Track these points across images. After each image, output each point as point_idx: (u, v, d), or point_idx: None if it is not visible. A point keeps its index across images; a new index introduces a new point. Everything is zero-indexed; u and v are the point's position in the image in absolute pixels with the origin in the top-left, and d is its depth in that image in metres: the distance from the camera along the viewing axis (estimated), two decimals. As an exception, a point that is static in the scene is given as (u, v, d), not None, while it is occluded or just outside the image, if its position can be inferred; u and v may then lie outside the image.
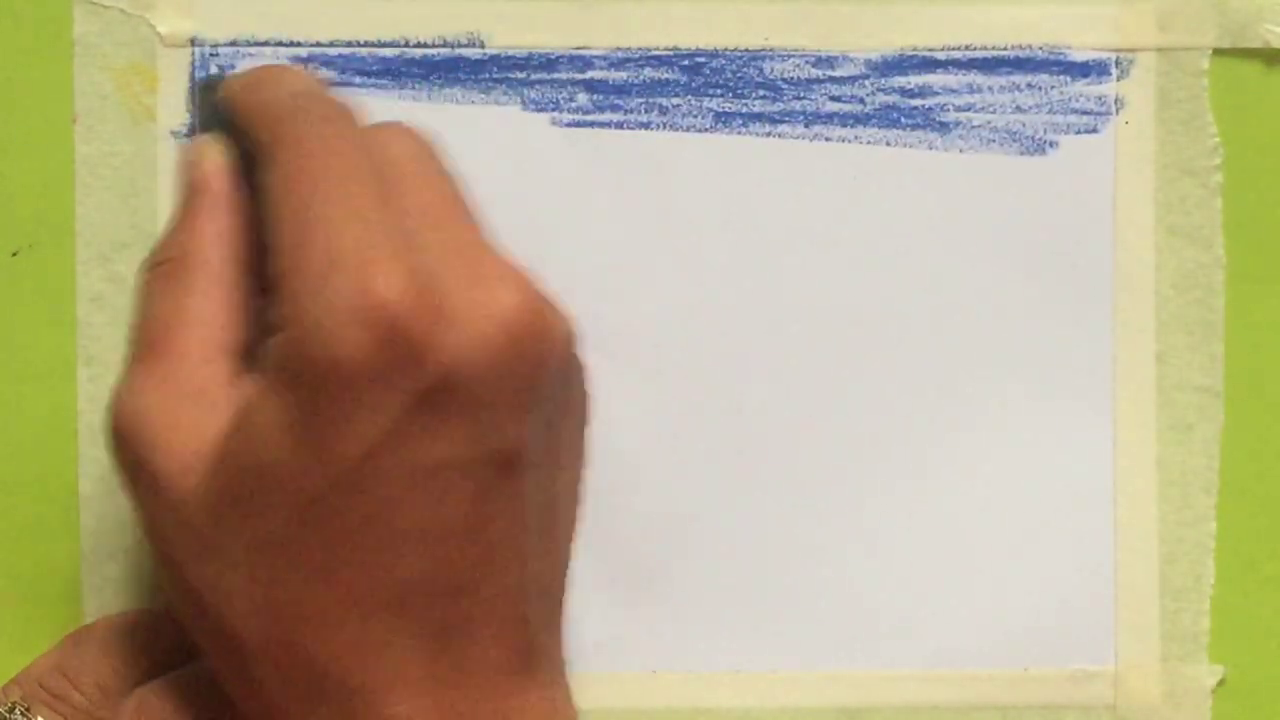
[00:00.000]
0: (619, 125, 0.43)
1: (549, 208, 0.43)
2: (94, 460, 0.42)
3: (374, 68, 0.43)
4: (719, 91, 0.43)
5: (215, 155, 0.37)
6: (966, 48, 0.43)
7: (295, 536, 0.33)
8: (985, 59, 0.43)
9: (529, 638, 0.34)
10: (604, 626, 0.43)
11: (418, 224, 0.34)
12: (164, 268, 0.36)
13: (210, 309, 0.36)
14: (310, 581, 0.33)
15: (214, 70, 0.42)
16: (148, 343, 0.36)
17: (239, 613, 0.34)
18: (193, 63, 0.42)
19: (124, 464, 0.35)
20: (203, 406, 0.35)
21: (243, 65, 0.42)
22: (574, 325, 0.35)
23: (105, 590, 0.43)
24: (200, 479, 0.34)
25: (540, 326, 0.33)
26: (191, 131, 0.42)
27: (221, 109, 0.38)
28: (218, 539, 0.34)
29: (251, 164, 0.36)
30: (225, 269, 0.36)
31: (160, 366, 0.35)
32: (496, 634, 0.34)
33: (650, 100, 0.43)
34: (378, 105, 0.43)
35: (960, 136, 0.43)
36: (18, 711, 0.38)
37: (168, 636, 0.40)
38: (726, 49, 0.43)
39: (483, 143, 0.43)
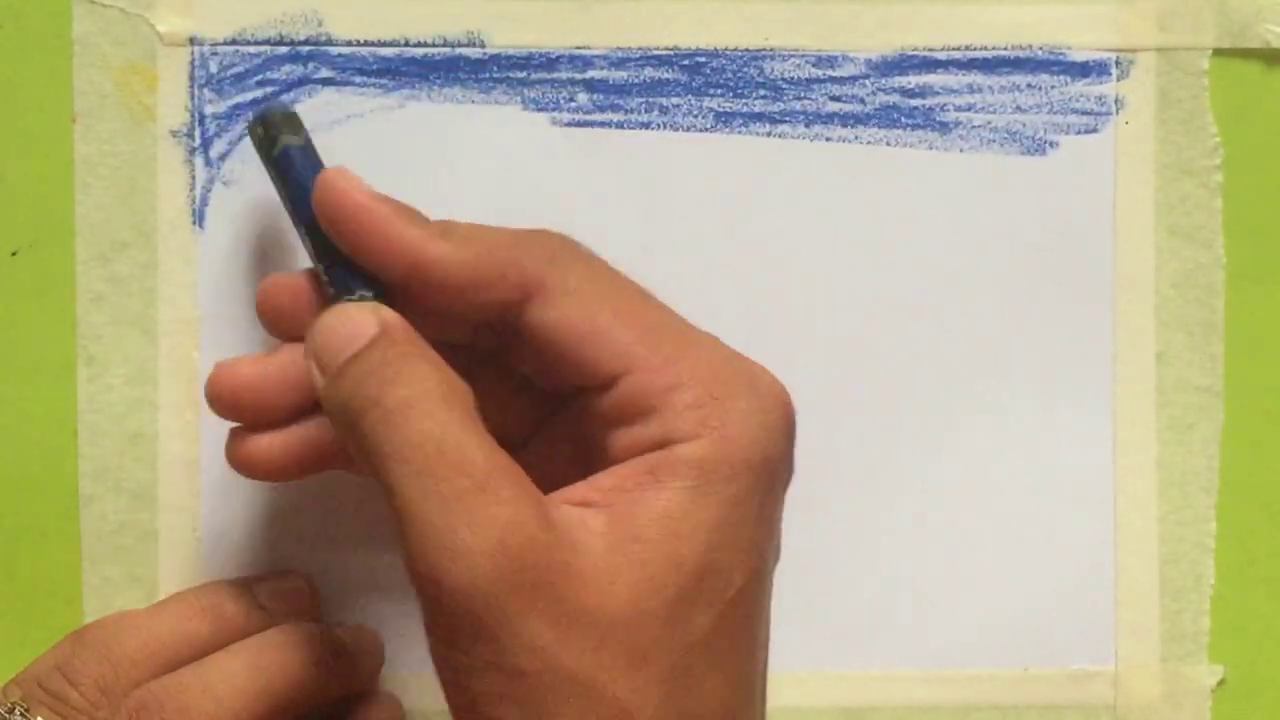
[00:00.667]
0: (619, 125, 0.43)
1: (549, 207, 0.43)
2: (93, 459, 0.42)
3: (374, 67, 0.43)
4: (719, 91, 0.43)
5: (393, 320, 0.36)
6: (967, 48, 0.43)
7: (720, 633, 0.34)
8: (985, 59, 0.43)
9: None
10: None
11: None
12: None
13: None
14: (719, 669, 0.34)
15: (215, 67, 0.42)
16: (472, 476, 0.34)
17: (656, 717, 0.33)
18: (192, 61, 0.42)
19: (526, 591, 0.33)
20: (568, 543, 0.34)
21: (243, 65, 0.42)
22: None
23: (105, 590, 0.43)
24: (608, 591, 0.33)
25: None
26: (191, 130, 0.42)
27: (292, 159, 0.38)
28: (647, 649, 0.33)
29: None
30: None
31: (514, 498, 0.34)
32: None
33: (650, 100, 0.43)
34: (377, 105, 0.43)
35: (960, 136, 0.43)
36: (17, 712, 0.38)
37: (167, 637, 0.40)
38: (727, 49, 0.43)
39: (483, 143, 0.43)
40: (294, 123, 0.39)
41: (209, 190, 0.43)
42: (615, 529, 0.33)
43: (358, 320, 0.35)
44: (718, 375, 0.35)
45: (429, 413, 0.33)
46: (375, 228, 0.36)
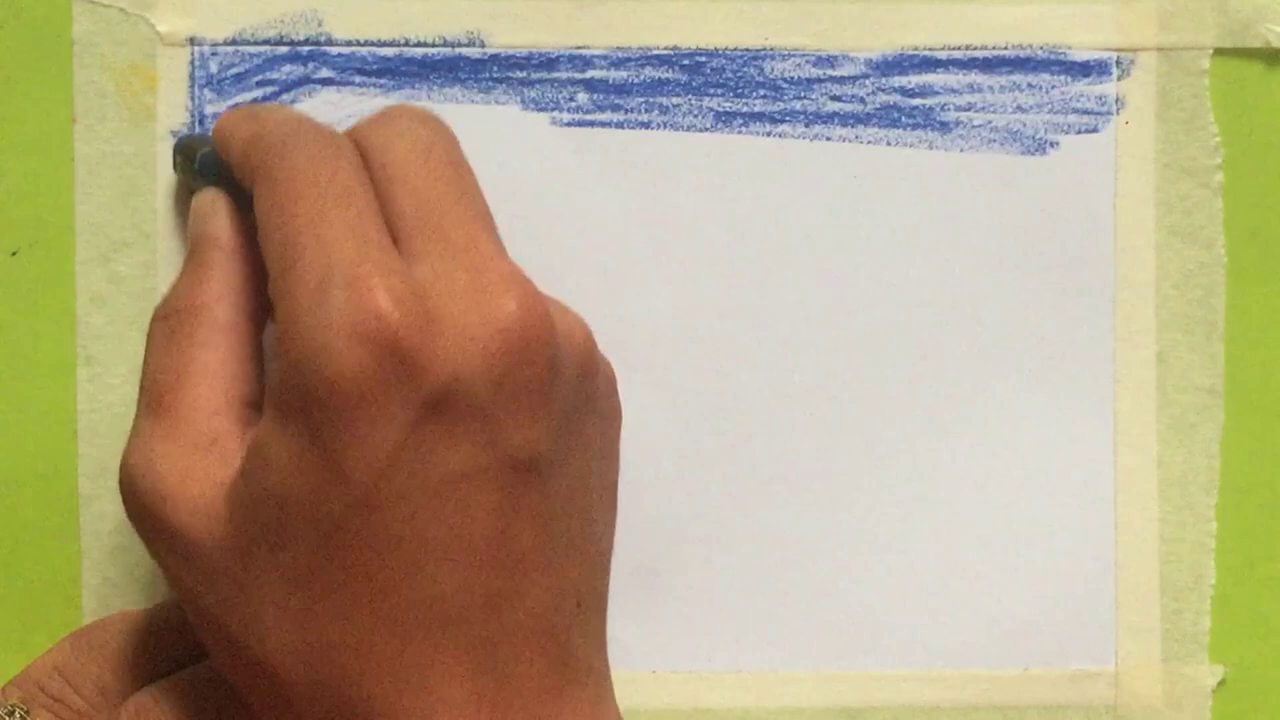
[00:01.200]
0: (619, 125, 0.43)
1: (548, 207, 0.43)
2: (93, 460, 0.42)
3: (374, 67, 0.43)
4: (719, 91, 0.43)
5: (221, 207, 0.38)
6: (967, 47, 0.43)
7: (322, 566, 0.33)
8: (986, 59, 0.43)
9: (568, 648, 0.34)
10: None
11: (416, 229, 0.34)
12: (171, 321, 0.36)
13: (218, 360, 0.36)
14: (342, 610, 0.33)
15: (215, 66, 0.42)
16: (156, 396, 0.36)
17: (275, 651, 0.33)
18: (192, 62, 0.42)
19: (139, 518, 0.35)
20: (214, 456, 0.35)
21: (243, 65, 0.42)
22: (586, 329, 0.35)
23: (105, 590, 0.43)
24: (219, 524, 0.34)
25: (544, 330, 0.33)
26: (191, 130, 0.42)
27: (210, 161, 0.39)
28: (245, 581, 0.33)
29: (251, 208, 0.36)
30: (234, 320, 0.36)
31: (168, 419, 0.35)
32: (535, 646, 0.34)
33: (650, 100, 0.43)
34: (377, 105, 0.43)
35: (961, 136, 0.43)
36: (17, 714, 0.38)
37: (168, 638, 0.40)
38: (727, 48, 0.43)
39: (482, 142, 0.43)
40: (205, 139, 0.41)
41: (209, 190, 0.43)
42: (231, 467, 0.34)
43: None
44: (317, 286, 0.33)
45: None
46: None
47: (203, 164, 0.40)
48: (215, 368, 0.36)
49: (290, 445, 0.32)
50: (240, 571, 0.33)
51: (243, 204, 0.38)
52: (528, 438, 0.33)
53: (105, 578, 0.43)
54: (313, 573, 0.33)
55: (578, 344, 0.34)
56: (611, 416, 0.37)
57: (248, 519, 0.33)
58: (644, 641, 0.43)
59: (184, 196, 0.42)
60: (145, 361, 0.37)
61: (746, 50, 0.43)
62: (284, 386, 0.33)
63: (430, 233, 0.34)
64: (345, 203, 0.33)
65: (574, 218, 0.43)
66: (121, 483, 0.36)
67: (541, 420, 0.33)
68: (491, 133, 0.43)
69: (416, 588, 0.33)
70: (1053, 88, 0.43)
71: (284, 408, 0.33)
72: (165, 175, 0.42)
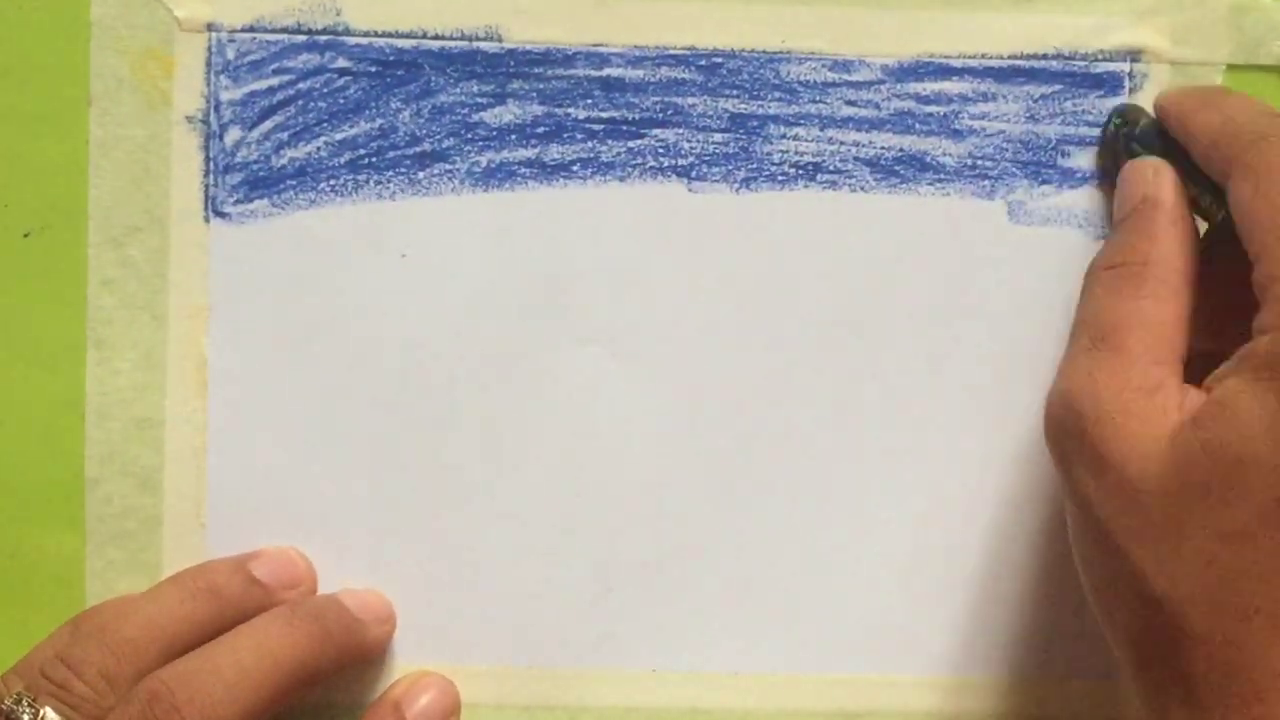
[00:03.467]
0: (635, 123, 0.43)
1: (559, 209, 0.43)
2: (100, 443, 0.42)
3: (390, 57, 0.43)
4: (735, 92, 0.43)
5: (1171, 175, 0.40)
6: (982, 56, 0.44)
7: (1262, 532, 0.34)
8: (1000, 68, 0.44)
9: None
10: (604, 625, 0.43)
11: None
12: (1123, 270, 0.39)
13: (1166, 315, 0.38)
14: (1269, 579, 0.34)
15: (230, 54, 0.42)
16: (1102, 336, 0.38)
17: (1183, 598, 0.35)
18: (209, 48, 0.42)
19: (1071, 439, 0.37)
20: (1155, 402, 0.36)
21: (260, 53, 0.42)
22: None
23: (108, 574, 0.43)
24: (1161, 466, 0.35)
25: None
26: (206, 117, 0.42)
27: (1149, 132, 0.42)
28: (1176, 524, 0.35)
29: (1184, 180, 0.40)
30: (1180, 280, 0.38)
31: (1115, 360, 0.37)
32: None
33: (666, 99, 0.43)
34: (378, 101, 0.43)
35: (974, 144, 0.44)
36: (25, 703, 0.38)
37: (172, 621, 0.40)
38: (744, 50, 0.43)
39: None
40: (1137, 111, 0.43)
41: (223, 177, 0.43)
42: (1187, 407, 0.36)
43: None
44: None
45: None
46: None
47: (1144, 134, 0.42)
48: (1162, 320, 0.38)
49: (1266, 413, 0.34)
50: (1173, 514, 0.35)
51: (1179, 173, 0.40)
52: None
53: (109, 561, 0.43)
54: (1251, 536, 0.34)
55: None
56: None
57: (1193, 466, 0.35)
58: (644, 641, 0.43)
59: (197, 180, 0.42)
60: (1085, 304, 0.39)
61: (764, 52, 0.43)
62: (1273, 359, 0.34)
63: None
64: None
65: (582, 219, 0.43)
66: (1052, 402, 0.38)
67: None
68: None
69: None
70: (1065, 99, 0.44)
71: (1269, 378, 0.34)
72: (179, 161, 0.42)
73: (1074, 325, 0.39)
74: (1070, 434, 0.37)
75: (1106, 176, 0.43)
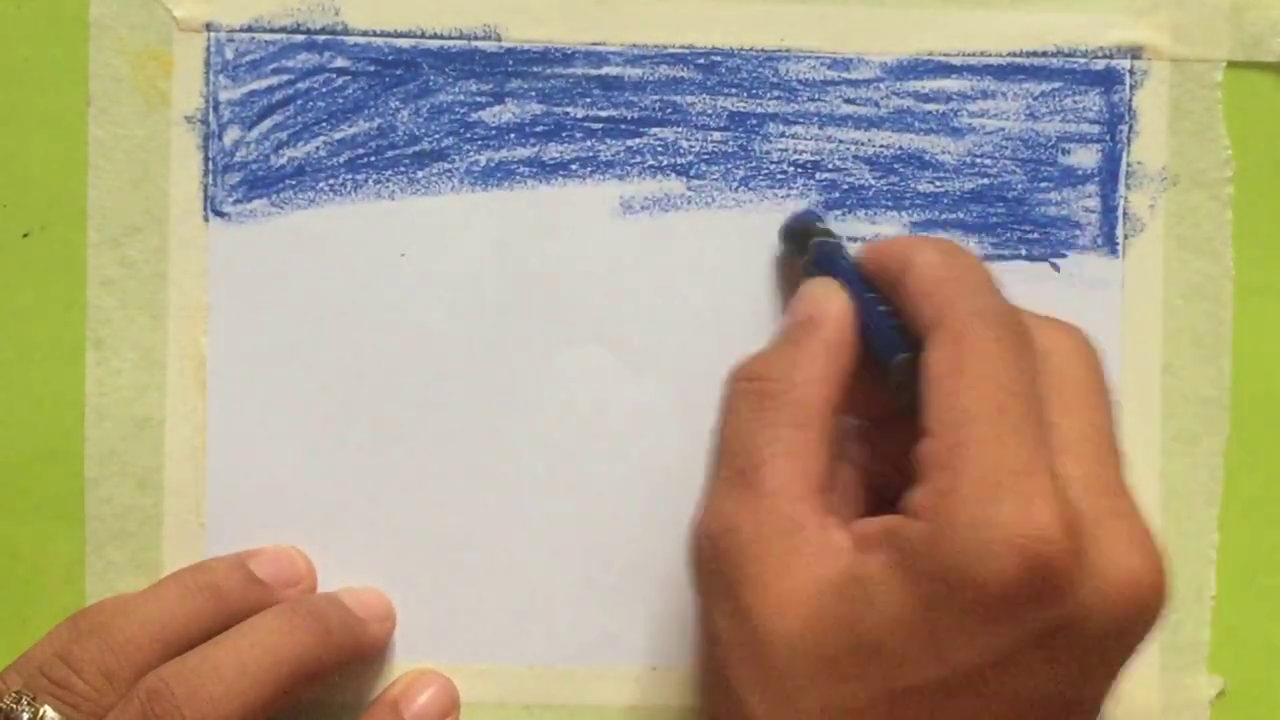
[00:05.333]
0: (634, 122, 0.43)
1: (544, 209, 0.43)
2: (100, 443, 0.42)
3: (389, 57, 0.43)
4: (734, 91, 0.43)
5: (842, 303, 0.38)
6: (981, 54, 0.44)
7: (878, 715, 0.34)
8: (1000, 65, 0.44)
9: None
10: (604, 624, 0.43)
11: (1063, 451, 0.34)
12: (762, 388, 0.37)
13: (807, 446, 0.36)
14: None
15: (229, 53, 0.42)
16: (740, 470, 0.36)
17: None
18: (208, 47, 0.42)
19: (712, 578, 0.36)
20: (794, 544, 0.35)
21: (259, 52, 0.42)
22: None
23: (108, 574, 0.43)
24: (794, 624, 0.34)
25: (1160, 594, 0.34)
26: (205, 117, 0.42)
27: (827, 255, 0.40)
28: (797, 687, 0.34)
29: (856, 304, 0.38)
30: (825, 410, 0.37)
31: (755, 500, 0.36)
32: None
33: (665, 98, 0.43)
34: (377, 101, 0.43)
35: (973, 142, 0.44)
36: (24, 701, 0.38)
37: (171, 619, 0.40)
38: (742, 48, 0.43)
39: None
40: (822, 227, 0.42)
41: (222, 176, 0.43)
42: (831, 548, 0.35)
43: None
44: (988, 481, 0.33)
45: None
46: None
47: (820, 257, 0.40)
48: (802, 451, 0.36)
49: (901, 604, 0.33)
50: (795, 675, 0.34)
51: (851, 296, 0.38)
52: (1099, 690, 0.35)
53: (109, 561, 0.43)
54: (858, 713, 0.34)
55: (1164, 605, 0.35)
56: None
57: (826, 640, 0.34)
58: (644, 639, 0.43)
59: (196, 180, 0.42)
60: (725, 422, 0.38)
61: (762, 51, 0.43)
62: (918, 552, 0.33)
63: (1075, 458, 0.34)
64: (1017, 400, 0.34)
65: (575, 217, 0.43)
66: (695, 534, 0.37)
67: (1116, 676, 0.35)
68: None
69: None
70: (1065, 96, 0.44)
71: (909, 568, 0.33)
72: (178, 161, 0.42)
73: (717, 445, 0.38)
74: (712, 573, 0.36)
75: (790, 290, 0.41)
